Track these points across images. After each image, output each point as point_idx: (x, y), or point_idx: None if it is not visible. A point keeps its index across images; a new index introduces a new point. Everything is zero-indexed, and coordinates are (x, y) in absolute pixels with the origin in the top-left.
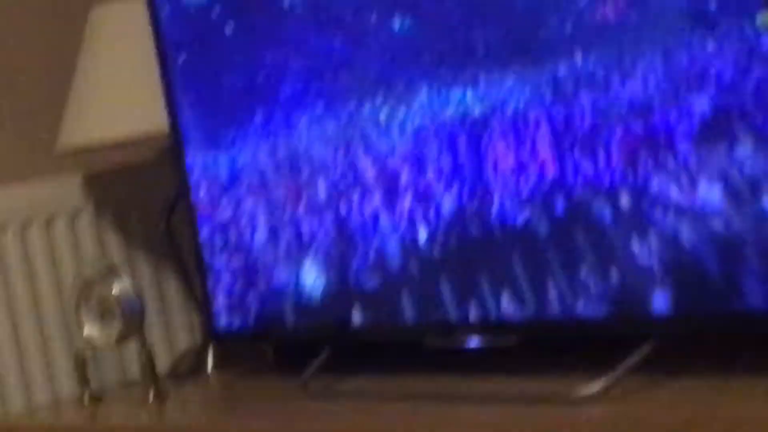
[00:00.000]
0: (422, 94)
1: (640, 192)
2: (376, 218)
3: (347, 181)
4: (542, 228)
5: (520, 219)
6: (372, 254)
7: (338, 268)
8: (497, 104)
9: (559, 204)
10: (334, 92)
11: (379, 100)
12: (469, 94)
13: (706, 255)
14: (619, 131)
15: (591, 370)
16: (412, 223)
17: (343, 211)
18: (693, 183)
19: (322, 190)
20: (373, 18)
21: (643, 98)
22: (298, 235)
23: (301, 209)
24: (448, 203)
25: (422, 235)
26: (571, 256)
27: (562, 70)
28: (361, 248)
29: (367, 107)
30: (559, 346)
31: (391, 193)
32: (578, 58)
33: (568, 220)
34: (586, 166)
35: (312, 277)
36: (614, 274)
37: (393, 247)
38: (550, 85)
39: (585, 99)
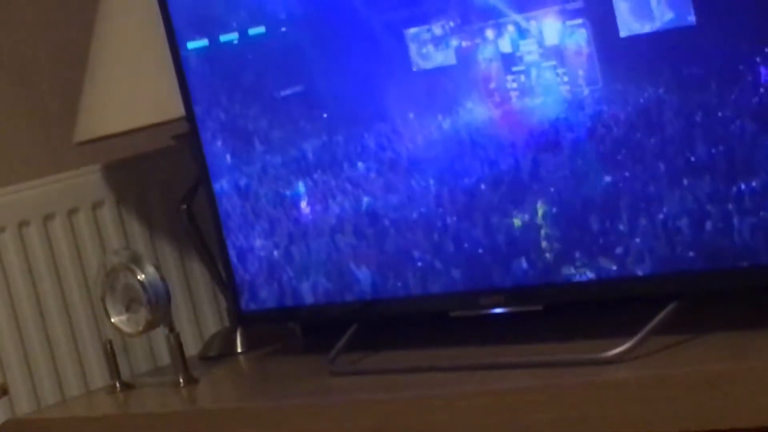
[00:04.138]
0: None
1: None
2: (396, 191)
3: (374, 155)
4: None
5: None
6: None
7: (362, 243)
8: None
9: None
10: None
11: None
12: None
13: None
14: None
15: (617, 332)
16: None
17: (367, 187)
18: None
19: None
20: None
21: None
22: (320, 212)
23: (320, 188)
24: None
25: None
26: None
27: None
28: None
29: None
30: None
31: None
32: None
33: None
34: None
35: (335, 253)
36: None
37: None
38: None
39: None
